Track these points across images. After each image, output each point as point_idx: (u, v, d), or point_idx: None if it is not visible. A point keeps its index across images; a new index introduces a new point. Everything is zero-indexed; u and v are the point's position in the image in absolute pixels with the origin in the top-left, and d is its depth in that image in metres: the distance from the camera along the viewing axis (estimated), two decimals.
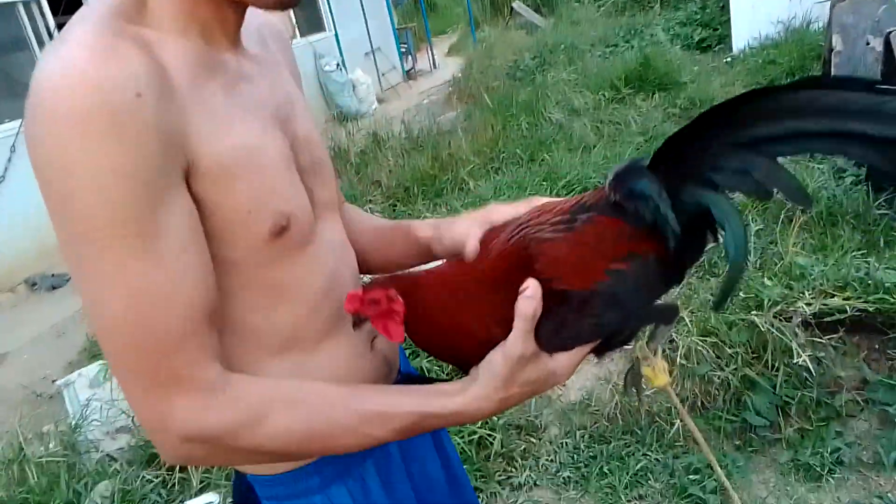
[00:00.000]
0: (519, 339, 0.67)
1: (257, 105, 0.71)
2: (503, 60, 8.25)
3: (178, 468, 2.60)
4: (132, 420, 3.03)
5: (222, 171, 0.64)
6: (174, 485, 2.59)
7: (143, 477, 2.58)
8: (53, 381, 3.66)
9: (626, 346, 0.74)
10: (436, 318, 0.72)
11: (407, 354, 1.06)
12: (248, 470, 0.79)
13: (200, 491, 2.54)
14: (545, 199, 0.79)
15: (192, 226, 0.62)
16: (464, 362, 0.73)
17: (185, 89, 0.63)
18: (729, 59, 6.47)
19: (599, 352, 0.72)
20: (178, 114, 0.61)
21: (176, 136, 0.60)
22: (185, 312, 0.61)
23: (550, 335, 0.68)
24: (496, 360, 0.69)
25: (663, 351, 0.76)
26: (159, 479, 2.60)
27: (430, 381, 0.91)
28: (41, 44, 5.58)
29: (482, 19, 12.63)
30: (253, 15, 0.75)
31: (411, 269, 0.84)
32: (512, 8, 11.90)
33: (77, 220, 0.58)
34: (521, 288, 0.67)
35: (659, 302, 0.73)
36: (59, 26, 5.70)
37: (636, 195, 0.68)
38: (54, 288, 4.97)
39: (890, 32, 2.73)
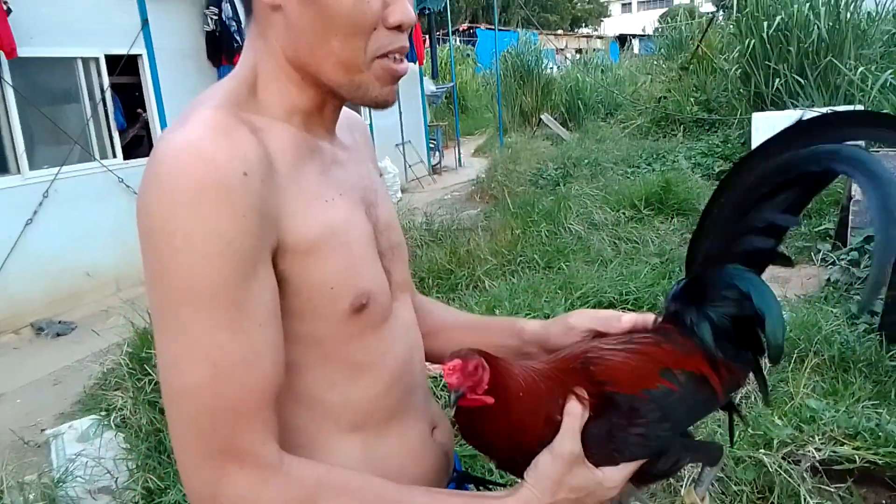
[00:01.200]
0: (567, 438, 0.69)
1: (347, 188, 0.77)
2: (527, 167, 8.50)
3: None
4: (115, 482, 2.97)
5: (310, 247, 0.68)
6: None
7: None
8: (43, 430, 3.60)
9: (669, 478, 0.75)
10: (504, 408, 0.71)
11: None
12: None
13: None
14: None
15: (274, 304, 0.66)
16: (500, 462, 0.74)
17: (284, 171, 0.68)
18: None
19: (642, 479, 0.72)
20: (275, 195, 0.66)
21: (271, 215, 0.65)
22: (258, 387, 0.64)
23: (598, 443, 0.69)
24: (544, 461, 0.70)
25: (710, 496, 0.76)
26: None
27: (484, 481, 0.93)
28: (93, 99, 5.83)
29: (510, 126, 13.11)
30: (342, 110, 0.83)
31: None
32: (540, 119, 12.36)
33: (175, 283, 0.61)
34: (569, 398, 0.69)
35: (706, 441, 0.75)
36: (113, 86, 5.98)
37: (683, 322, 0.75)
38: (59, 335, 4.97)
39: None
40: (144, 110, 6.48)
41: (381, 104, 0.76)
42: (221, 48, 6.67)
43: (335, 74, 0.73)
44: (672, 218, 5.60)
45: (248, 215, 0.62)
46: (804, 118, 0.72)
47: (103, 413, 3.43)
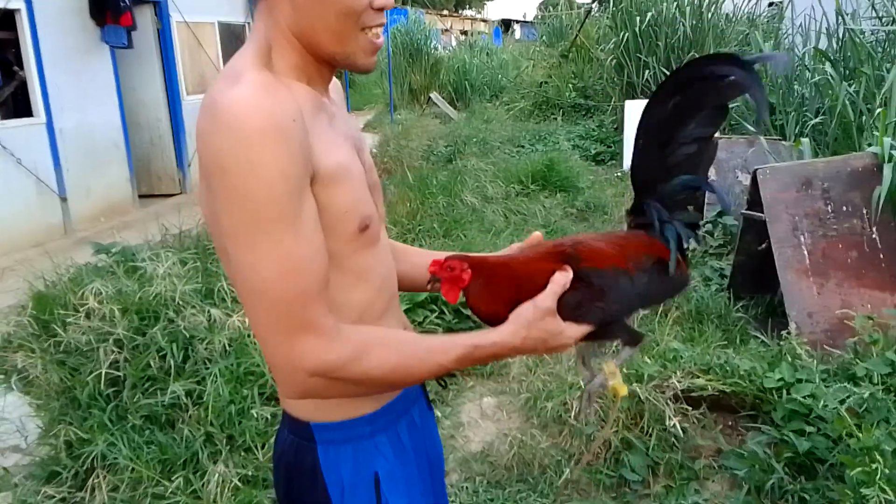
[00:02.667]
0: (549, 297, 0.95)
1: (345, 136, 0.99)
2: (418, 143, 8.75)
3: (83, 487, 2.60)
4: (25, 439, 2.97)
5: (331, 180, 0.90)
6: (77, 503, 2.58)
7: (44, 492, 2.56)
8: None
9: (604, 346, 1.04)
10: (491, 289, 0.98)
11: None
12: (311, 417, 1.00)
13: None
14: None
15: (317, 217, 0.88)
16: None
17: (308, 119, 0.89)
18: (619, 174, 7.28)
19: (590, 338, 1.00)
20: (308, 136, 0.87)
21: (308, 152, 0.86)
22: (317, 275, 0.86)
23: (569, 308, 0.96)
24: (526, 307, 0.96)
25: (622, 370, 1.04)
26: (61, 496, 2.57)
27: None
28: None
29: (400, 103, 13.28)
30: None
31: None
32: (429, 97, 12.64)
33: (249, 204, 0.81)
34: (558, 271, 0.96)
35: (637, 329, 1.05)
36: None
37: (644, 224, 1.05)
38: None
39: (756, 170, 3.37)
40: (21, 68, 6.10)
41: (367, 70, 0.98)
42: (107, 6, 6.38)
43: (332, 45, 0.93)
44: (556, 193, 6.09)
45: (297, 151, 0.83)
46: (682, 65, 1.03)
47: (2, 375, 3.38)
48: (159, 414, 2.86)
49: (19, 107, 6.29)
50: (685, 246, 1.06)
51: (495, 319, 0.98)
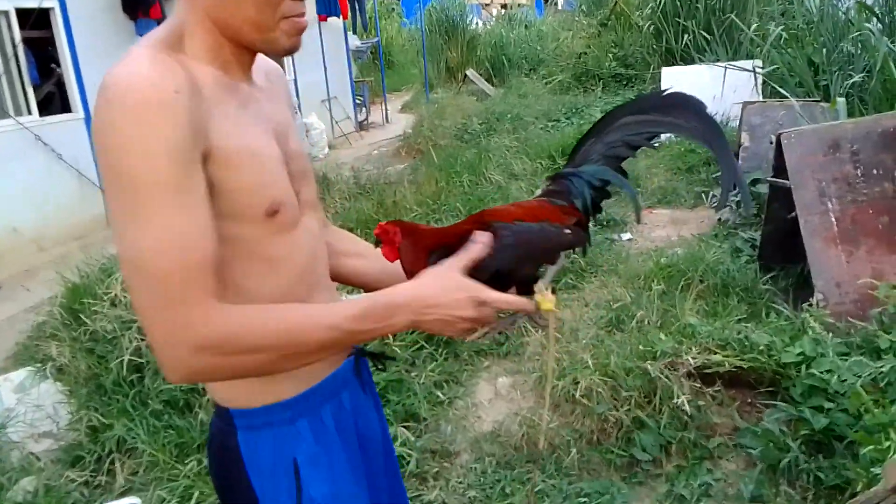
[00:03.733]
0: (461, 258, 0.96)
1: (261, 120, 0.97)
2: (452, 122, 8.69)
3: (102, 471, 2.70)
4: (56, 425, 3.09)
5: (231, 161, 0.88)
6: (98, 486, 2.68)
7: (68, 476, 2.66)
8: None
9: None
10: (415, 249, 1.03)
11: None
12: (231, 402, 1.00)
13: (122, 494, 2.64)
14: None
15: (206, 193, 0.86)
16: None
17: (209, 99, 0.87)
18: (656, 144, 7.07)
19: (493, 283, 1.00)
20: (203, 112, 0.85)
21: (200, 126, 0.84)
22: (200, 250, 0.83)
23: (485, 269, 0.99)
24: (443, 265, 0.97)
25: (552, 289, 1.03)
26: (83, 479, 2.68)
27: (377, 355, 1.20)
28: (4, 54, 5.65)
29: (436, 82, 13.21)
30: (262, 59, 1.04)
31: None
32: (465, 75, 12.51)
33: (130, 177, 0.80)
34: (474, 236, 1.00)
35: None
36: (26, 40, 5.79)
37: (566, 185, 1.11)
38: None
39: (780, 134, 3.20)
40: (58, 65, 6.30)
41: (290, 51, 0.96)
42: (138, 1, 6.51)
43: (251, 34, 0.92)
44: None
45: (181, 122, 0.81)
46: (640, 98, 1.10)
47: (39, 364, 3.52)
48: (178, 399, 2.93)
49: (58, 103, 6.50)
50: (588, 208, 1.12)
51: (412, 273, 1.02)
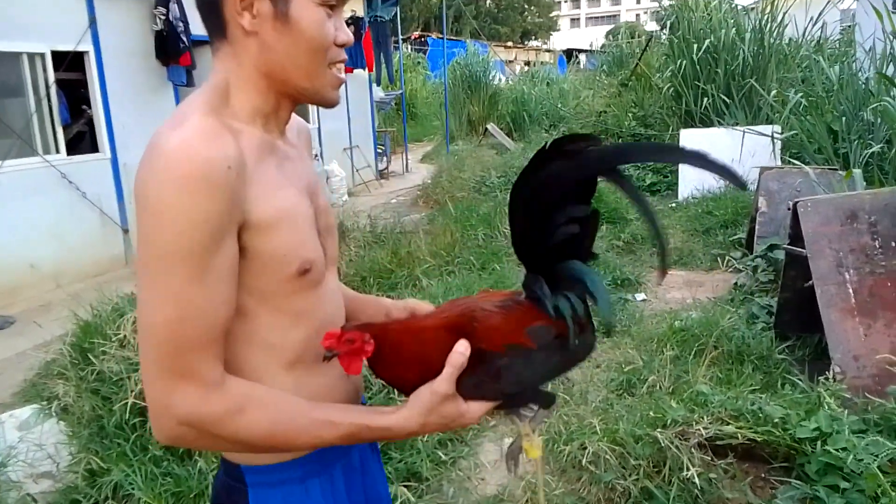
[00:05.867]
0: (445, 381, 0.91)
1: (295, 179, 0.99)
2: (471, 174, 8.77)
3: None
4: (56, 466, 3.06)
5: (268, 225, 0.90)
6: None
7: None
8: None
9: (519, 415, 0.99)
10: (394, 359, 0.95)
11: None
12: (242, 460, 0.99)
13: None
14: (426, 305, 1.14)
15: (233, 266, 0.87)
16: (408, 392, 0.96)
17: (251, 166, 0.89)
18: (674, 205, 7.06)
19: (502, 408, 0.97)
20: (245, 184, 0.87)
21: (240, 199, 0.86)
22: (212, 325, 0.85)
23: (469, 388, 0.93)
24: (424, 393, 0.93)
25: (539, 433, 0.99)
26: None
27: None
28: (37, 94, 5.82)
29: (457, 134, 13.40)
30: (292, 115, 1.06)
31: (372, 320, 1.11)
32: (486, 128, 12.69)
33: (158, 245, 0.82)
34: (456, 345, 0.92)
35: (547, 391, 1.00)
36: (58, 81, 5.98)
37: (538, 297, 0.97)
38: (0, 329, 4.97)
39: (797, 202, 3.18)
40: (89, 106, 6.48)
41: (333, 104, 1.01)
42: (168, 48, 6.72)
43: (302, 82, 0.96)
44: (602, 225, 5.94)
45: (224, 199, 0.83)
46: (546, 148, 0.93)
47: (44, 402, 3.51)
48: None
49: (87, 143, 6.66)
50: (578, 313, 0.97)
51: (401, 385, 0.97)
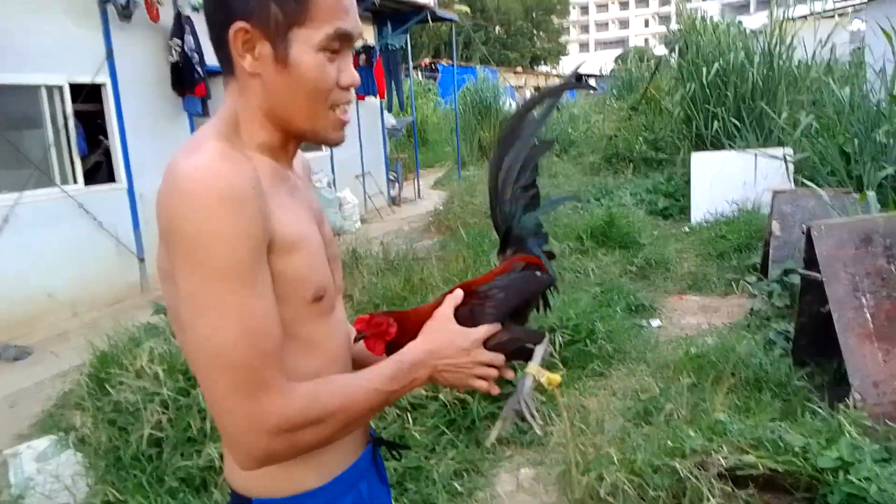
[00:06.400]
0: (445, 306, 1.04)
1: (305, 208, 1.01)
2: (483, 200, 8.79)
3: None
4: (73, 498, 3.06)
5: (287, 248, 0.92)
6: None
7: None
8: (0, 451, 3.66)
9: (526, 354, 1.08)
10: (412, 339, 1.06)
11: None
12: (252, 493, 0.99)
13: None
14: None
15: (271, 281, 0.89)
16: None
17: (268, 189, 0.91)
18: (687, 230, 7.05)
19: (508, 357, 1.06)
20: (266, 205, 0.89)
21: (266, 219, 0.88)
22: (275, 336, 0.87)
23: (465, 317, 1.05)
24: (430, 322, 1.03)
25: (545, 367, 1.08)
26: None
27: (393, 444, 1.24)
28: (55, 125, 5.93)
29: (469, 159, 13.48)
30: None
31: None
32: None
33: (208, 267, 0.83)
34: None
35: (532, 329, 1.12)
36: (76, 112, 6.09)
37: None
38: (16, 359, 5.00)
39: (810, 226, 3.17)
40: (106, 137, 6.59)
41: (335, 144, 1.02)
42: (184, 78, 6.84)
43: (302, 123, 0.97)
44: (614, 250, 5.93)
45: (256, 217, 0.86)
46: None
47: (62, 433, 3.52)
48: (194, 476, 2.90)
49: (103, 174, 6.76)
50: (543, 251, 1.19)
51: None
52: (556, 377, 1.07)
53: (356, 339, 1.06)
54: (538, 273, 1.14)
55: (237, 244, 0.83)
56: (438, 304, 1.07)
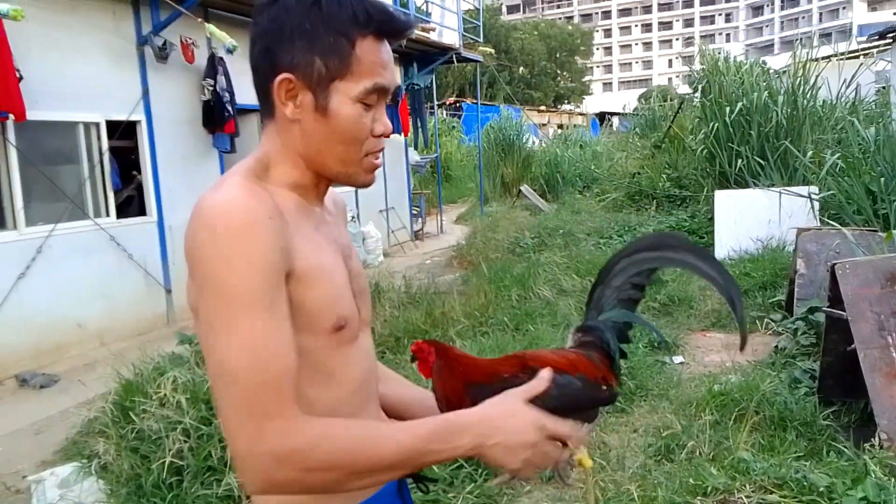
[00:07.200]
0: (524, 388, 1.00)
1: (331, 241, 1.05)
2: (505, 235, 8.85)
3: None
4: None
5: (308, 278, 0.95)
6: None
7: None
8: (24, 477, 3.71)
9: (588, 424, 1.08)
10: (448, 372, 1.08)
11: None
12: None
13: None
14: None
15: (288, 309, 0.92)
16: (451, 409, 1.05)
17: (290, 221, 0.96)
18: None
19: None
20: (287, 236, 0.93)
21: (285, 248, 0.92)
22: (286, 362, 0.89)
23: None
24: (501, 396, 0.99)
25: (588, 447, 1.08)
26: None
27: (421, 478, 1.21)
28: (91, 160, 6.12)
29: (492, 195, 13.57)
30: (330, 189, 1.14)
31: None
32: (520, 190, 12.83)
33: (229, 290, 0.86)
34: (541, 371, 1.04)
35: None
36: (112, 149, 6.29)
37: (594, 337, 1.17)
38: (42, 387, 5.08)
39: (835, 265, 3.15)
40: (139, 172, 6.78)
41: (367, 185, 1.08)
42: (215, 116, 7.03)
43: (336, 166, 1.03)
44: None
45: (273, 243, 0.89)
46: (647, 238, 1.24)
47: (85, 460, 3.56)
48: None
49: (135, 207, 6.94)
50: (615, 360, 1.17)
51: (446, 398, 1.07)
52: (589, 461, 1.08)
53: (411, 360, 1.10)
54: (604, 388, 1.13)
55: (251, 270, 0.86)
56: (496, 371, 1.07)
